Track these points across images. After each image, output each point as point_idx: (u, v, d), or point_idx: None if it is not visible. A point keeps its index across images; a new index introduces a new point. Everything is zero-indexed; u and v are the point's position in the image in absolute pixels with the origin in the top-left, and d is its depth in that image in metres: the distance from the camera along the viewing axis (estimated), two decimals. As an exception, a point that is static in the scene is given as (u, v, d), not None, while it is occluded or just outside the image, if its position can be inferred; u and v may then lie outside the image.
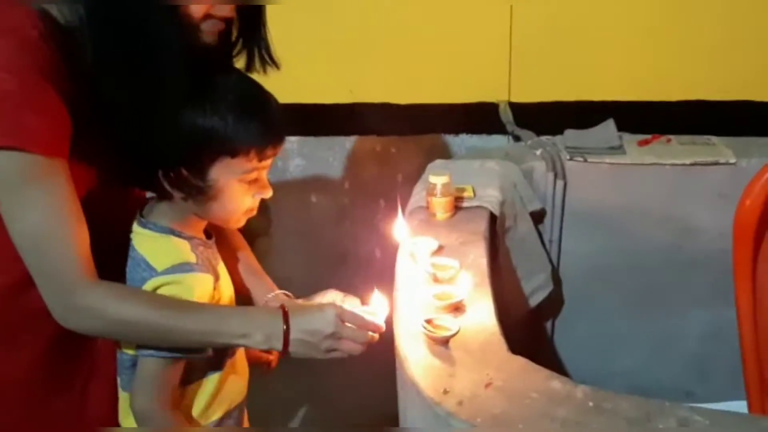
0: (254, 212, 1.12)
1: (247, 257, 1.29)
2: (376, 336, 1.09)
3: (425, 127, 2.20)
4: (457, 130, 2.18)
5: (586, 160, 1.82)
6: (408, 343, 1.10)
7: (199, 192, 1.04)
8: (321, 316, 1.05)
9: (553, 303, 1.92)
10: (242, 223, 1.13)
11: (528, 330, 1.94)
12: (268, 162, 1.07)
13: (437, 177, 1.49)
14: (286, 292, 1.28)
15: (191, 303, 1.04)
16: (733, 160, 1.80)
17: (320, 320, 1.05)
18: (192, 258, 1.07)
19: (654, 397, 2.21)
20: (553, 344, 2.05)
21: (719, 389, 2.02)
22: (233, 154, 1.01)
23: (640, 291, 1.99)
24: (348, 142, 2.26)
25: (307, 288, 2.65)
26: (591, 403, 0.95)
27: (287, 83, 2.11)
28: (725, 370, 1.98)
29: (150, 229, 1.09)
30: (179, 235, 1.09)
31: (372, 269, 2.30)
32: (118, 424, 1.15)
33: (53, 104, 0.92)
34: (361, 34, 2.13)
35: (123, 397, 1.14)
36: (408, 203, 1.63)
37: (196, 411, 1.16)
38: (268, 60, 1.10)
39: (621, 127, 1.92)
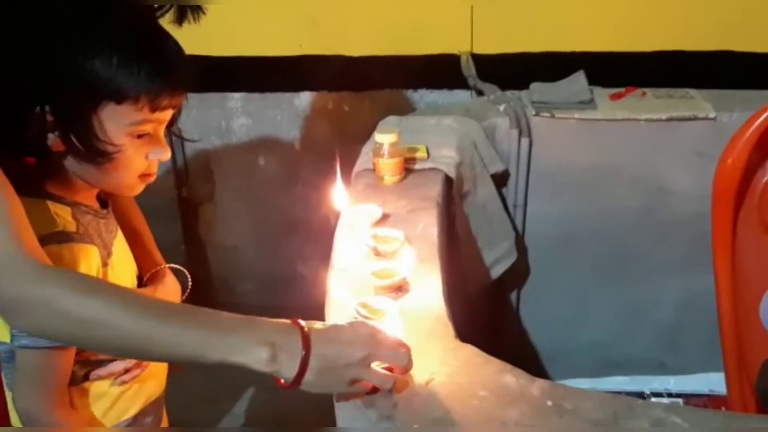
0: (152, 177, 0.96)
1: (141, 231, 1.12)
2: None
3: (381, 81, 2.07)
4: (415, 85, 2.07)
5: (553, 116, 1.69)
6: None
7: (81, 144, 0.86)
8: (351, 334, 0.81)
9: (518, 273, 1.80)
10: (138, 189, 0.96)
11: (489, 303, 1.81)
12: (163, 115, 0.90)
13: (384, 135, 1.33)
14: (179, 267, 1.12)
15: (178, 306, 0.85)
16: (713, 115, 1.69)
17: (349, 341, 0.80)
18: (71, 226, 0.91)
19: (625, 370, 2.11)
20: (518, 317, 1.94)
21: (693, 360, 1.97)
22: (119, 99, 0.85)
23: (610, 258, 1.89)
24: (297, 99, 2.14)
25: (255, 258, 2.47)
26: (549, 402, 0.80)
27: (228, 34, 2.00)
28: (700, 341, 1.94)
29: (22, 194, 0.90)
30: (59, 200, 0.92)
31: (326, 238, 2.18)
32: (9, 424, 0.99)
33: None
34: (308, -20, 1.98)
35: (9, 395, 0.97)
36: (354, 166, 1.46)
37: (98, 410, 1.00)
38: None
39: (592, 80, 1.79)
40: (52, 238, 0.87)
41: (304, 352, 0.76)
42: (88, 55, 0.83)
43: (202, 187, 2.26)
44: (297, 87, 2.11)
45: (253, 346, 0.76)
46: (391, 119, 1.64)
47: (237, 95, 2.12)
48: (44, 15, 0.81)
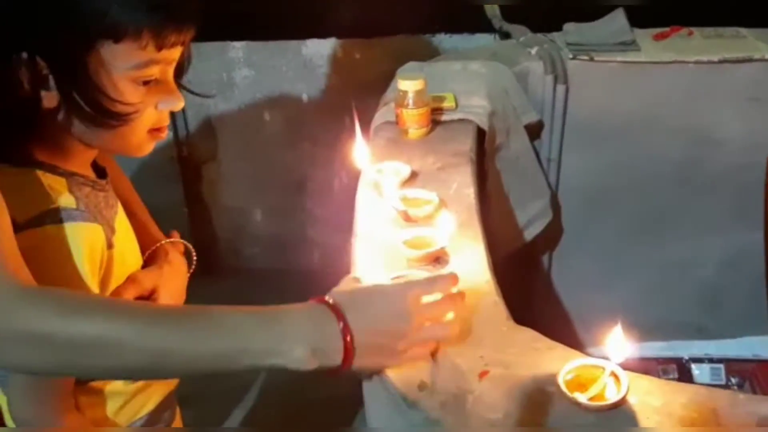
0: (163, 133, 0.82)
1: (131, 201, 0.97)
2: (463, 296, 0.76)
3: (395, 26, 1.95)
4: (433, 29, 1.95)
5: (592, 59, 1.53)
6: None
7: (86, 102, 0.73)
8: (389, 301, 0.71)
9: (550, 232, 1.67)
10: (147, 148, 0.81)
11: (519, 266, 1.68)
12: (171, 54, 0.76)
13: (409, 82, 1.18)
14: (182, 241, 0.97)
15: (189, 311, 0.70)
16: (768, 56, 1.53)
17: (391, 309, 0.70)
18: (70, 201, 0.76)
19: (662, 334, 1.99)
20: (550, 280, 1.82)
21: (733, 324, 1.87)
22: (117, 36, 0.71)
23: (648, 214, 1.76)
24: (304, 47, 2.02)
25: (262, 220, 2.33)
26: (634, 399, 0.66)
27: None
28: (742, 302, 1.87)
29: (5, 162, 0.76)
30: (52, 170, 0.77)
31: (335, 197, 2.12)
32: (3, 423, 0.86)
33: None
34: None
35: (2, 399, 0.84)
36: (373, 118, 1.32)
37: (110, 410, 0.87)
38: None
39: (632, 20, 1.63)
40: (48, 216, 0.73)
41: (344, 336, 0.67)
42: None
43: (204, 145, 2.14)
44: (303, 34, 1.98)
45: (287, 345, 0.66)
46: (412, 65, 1.49)
47: (238, 44, 2.00)
48: None
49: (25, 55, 0.70)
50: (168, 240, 0.95)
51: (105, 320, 0.63)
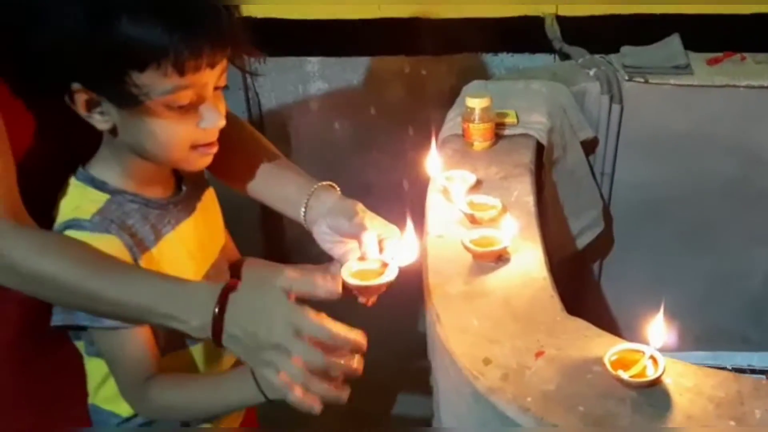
0: (212, 149, 0.86)
1: (262, 161, 1.02)
2: (356, 368, 0.78)
3: (460, 45, 2.01)
4: (495, 48, 2.00)
5: (647, 81, 1.61)
6: (441, 300, 0.92)
7: (121, 116, 0.81)
8: (268, 310, 0.76)
9: (601, 242, 1.74)
10: (196, 163, 0.87)
11: (572, 271, 1.77)
12: (199, 78, 0.80)
13: (476, 99, 1.29)
14: (332, 184, 1.02)
15: (123, 266, 0.82)
16: (818, 82, 1.59)
17: (265, 318, 0.76)
18: (85, 214, 0.85)
19: (706, 344, 2.05)
20: (600, 287, 1.89)
21: None
22: (140, 66, 0.76)
23: (697, 228, 1.82)
24: (374, 63, 2.11)
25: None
26: (669, 380, 0.77)
27: None
28: None
29: (74, 176, 0.88)
30: (101, 186, 0.87)
31: (399, 202, 2.16)
32: (85, 393, 0.98)
33: None
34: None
35: (90, 362, 0.94)
36: (440, 130, 1.43)
37: (201, 365, 0.98)
38: None
39: (686, 44, 1.71)
40: (69, 224, 0.84)
41: (215, 321, 0.77)
42: (99, 19, 0.75)
43: (279, 150, 2.26)
44: (374, 50, 2.07)
45: (183, 314, 0.78)
46: (477, 83, 1.60)
47: (314, 59, 2.10)
48: None
49: (77, 85, 0.79)
50: (324, 183, 1.00)
51: (55, 262, 0.79)
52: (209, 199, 1.01)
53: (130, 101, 0.78)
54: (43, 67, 0.78)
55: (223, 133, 0.88)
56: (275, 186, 1.01)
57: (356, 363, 0.78)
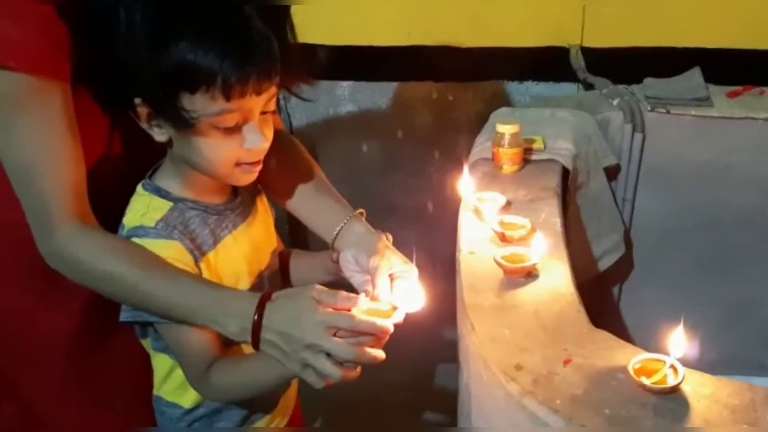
0: (255, 168, 0.92)
1: (303, 180, 1.08)
2: (378, 355, 0.86)
3: (487, 72, 2.07)
4: (521, 77, 2.06)
5: (668, 112, 1.68)
6: (475, 312, 0.98)
7: (175, 131, 0.88)
8: (301, 315, 0.84)
9: (622, 265, 1.79)
10: (240, 179, 0.93)
11: (592, 294, 1.82)
12: (245, 103, 0.85)
13: (506, 125, 1.36)
14: (362, 211, 1.09)
15: (176, 271, 0.89)
16: (834, 116, 1.65)
17: (299, 321, 0.84)
18: (150, 221, 0.91)
19: (723, 369, 2.09)
20: (619, 311, 1.93)
21: None
22: (191, 88, 0.83)
23: (716, 255, 1.86)
24: (403, 88, 2.17)
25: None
26: (688, 388, 0.83)
27: (339, 23, 2.07)
28: None
29: (141, 185, 0.96)
30: (165, 195, 0.94)
31: (422, 223, 2.25)
32: (150, 386, 1.05)
33: (41, 17, 0.81)
34: (421, -31, 2.00)
35: (156, 357, 1.02)
36: (470, 154, 1.50)
37: None
38: None
39: (707, 77, 1.77)
40: (135, 232, 0.91)
41: (254, 327, 0.85)
42: (159, 41, 0.81)
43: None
44: (404, 76, 2.13)
45: (223, 318, 0.87)
46: (505, 110, 1.67)
47: (346, 83, 2.16)
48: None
49: (138, 99, 0.86)
50: (356, 212, 1.07)
51: (117, 263, 0.87)
52: (262, 205, 1.07)
53: (180, 120, 0.84)
54: (113, 80, 0.86)
55: (275, 150, 0.95)
56: (313, 209, 1.08)
57: (378, 352, 0.86)
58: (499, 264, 1.05)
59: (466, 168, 1.23)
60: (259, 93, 0.85)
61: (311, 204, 1.08)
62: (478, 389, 0.95)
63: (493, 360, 0.89)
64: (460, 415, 1.14)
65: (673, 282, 1.89)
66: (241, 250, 1.00)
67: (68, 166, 0.87)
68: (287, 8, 0.96)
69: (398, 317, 0.89)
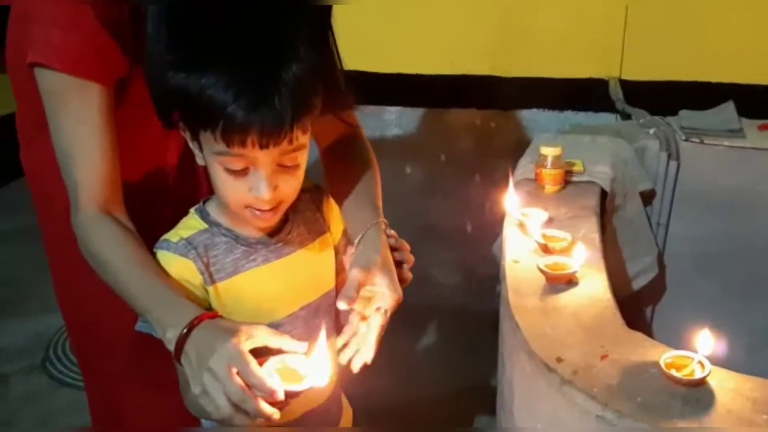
0: (262, 215, 0.90)
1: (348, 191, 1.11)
2: (266, 410, 0.79)
3: (529, 101, 2.17)
4: (561, 107, 2.16)
5: (702, 142, 1.76)
6: (519, 312, 1.08)
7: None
8: (216, 342, 0.82)
9: (655, 287, 1.87)
10: (253, 221, 0.93)
11: (625, 313, 1.89)
12: (251, 152, 0.83)
13: (549, 148, 1.46)
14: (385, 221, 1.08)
15: (154, 272, 0.91)
16: None
17: (213, 347, 0.81)
18: (175, 237, 0.94)
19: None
20: (651, 331, 2.00)
21: None
22: (201, 126, 0.85)
23: (746, 280, 1.91)
24: (447, 115, 2.27)
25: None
26: (713, 382, 0.92)
27: (388, 53, 2.18)
28: None
29: (195, 206, 1.00)
30: (204, 217, 0.97)
31: (460, 243, 2.33)
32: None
33: (87, 24, 0.92)
34: (463, 2, 2.11)
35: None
36: (513, 175, 1.60)
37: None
38: None
39: (740, 111, 1.85)
40: (160, 244, 0.95)
41: (178, 343, 0.84)
42: (178, 68, 0.83)
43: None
44: (447, 103, 2.24)
45: (163, 328, 0.87)
46: (547, 136, 1.77)
47: (393, 109, 2.27)
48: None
49: (176, 116, 0.90)
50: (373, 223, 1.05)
51: (110, 251, 0.93)
52: (322, 245, 1.03)
53: (197, 147, 0.89)
54: (152, 94, 0.93)
55: (347, 149, 1.04)
56: (349, 211, 1.10)
57: (270, 410, 0.80)
58: (542, 271, 1.15)
59: (511, 185, 1.33)
60: (263, 147, 0.82)
61: (349, 207, 1.11)
62: (521, 381, 1.05)
63: (536, 353, 0.99)
64: (501, 411, 1.23)
65: (704, 305, 1.92)
66: (269, 285, 0.97)
67: (98, 157, 0.96)
68: (332, 31, 1.00)
69: (301, 387, 0.83)
